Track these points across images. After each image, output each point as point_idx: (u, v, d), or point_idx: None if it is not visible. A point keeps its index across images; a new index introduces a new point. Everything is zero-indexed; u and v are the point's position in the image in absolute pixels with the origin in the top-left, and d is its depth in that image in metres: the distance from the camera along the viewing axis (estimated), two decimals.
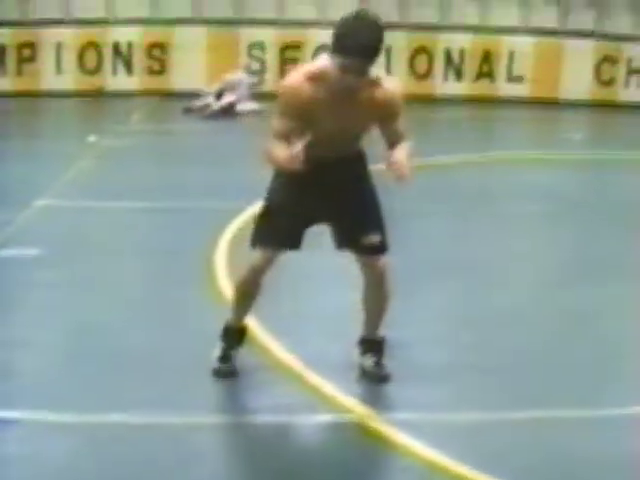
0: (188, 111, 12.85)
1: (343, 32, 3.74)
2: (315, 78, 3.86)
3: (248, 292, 4.17)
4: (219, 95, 12.97)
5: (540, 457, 3.64)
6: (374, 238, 4.09)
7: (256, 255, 4.07)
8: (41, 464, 3.53)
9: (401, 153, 3.86)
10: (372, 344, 4.30)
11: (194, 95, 13.12)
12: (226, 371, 4.23)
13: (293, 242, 4.10)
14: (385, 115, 3.94)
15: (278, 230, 4.04)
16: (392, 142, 3.97)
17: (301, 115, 3.87)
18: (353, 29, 3.72)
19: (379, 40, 3.76)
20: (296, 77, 3.89)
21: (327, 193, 4.02)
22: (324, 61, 3.88)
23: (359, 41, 3.69)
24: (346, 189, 4.05)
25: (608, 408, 4.08)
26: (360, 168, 4.13)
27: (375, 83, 3.88)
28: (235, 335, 4.28)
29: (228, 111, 12.82)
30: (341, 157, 3.99)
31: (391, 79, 4.01)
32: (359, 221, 4.05)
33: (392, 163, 3.83)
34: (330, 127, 3.90)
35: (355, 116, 3.90)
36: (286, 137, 3.84)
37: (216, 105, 12.83)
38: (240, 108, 13.00)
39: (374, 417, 3.93)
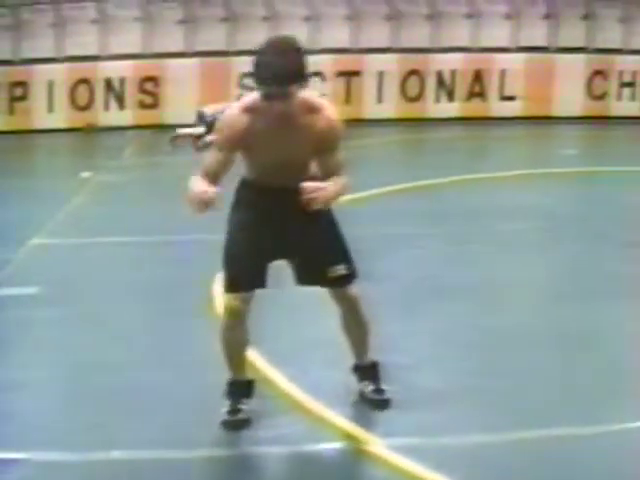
0: (174, 139, 12.75)
1: (257, 61, 3.73)
2: (250, 109, 3.84)
3: (232, 337, 4.09)
4: (211, 126, 12.92)
5: (545, 476, 3.63)
6: (339, 270, 4.04)
7: (230, 299, 4.03)
8: None
9: (322, 184, 3.79)
10: (365, 370, 4.30)
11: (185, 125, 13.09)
12: (236, 423, 4.10)
13: (255, 282, 4.03)
14: (323, 144, 3.86)
15: (240, 274, 3.99)
16: (327, 174, 3.89)
17: (240, 147, 3.87)
18: (265, 57, 3.71)
19: (292, 63, 3.71)
20: (233, 111, 3.89)
21: (282, 229, 3.97)
22: (255, 95, 3.85)
23: (271, 68, 3.67)
24: (302, 223, 3.96)
25: (610, 425, 4.06)
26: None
27: (313, 109, 3.84)
28: (241, 389, 4.18)
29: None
30: (291, 188, 3.85)
31: (328, 105, 3.91)
32: (322, 254, 3.99)
33: (306, 187, 3.75)
34: (272, 157, 3.88)
35: (295, 144, 3.85)
36: (213, 173, 3.84)
37: (210, 138, 12.77)
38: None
39: (377, 443, 3.90)
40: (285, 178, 3.92)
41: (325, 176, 3.90)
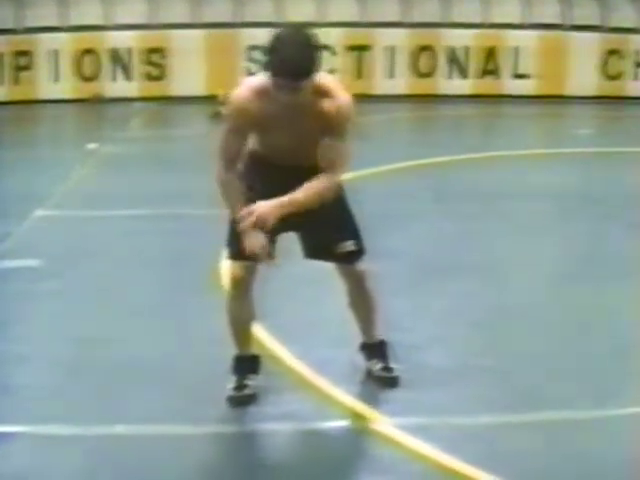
0: (217, 116, 12.60)
1: (271, 51, 3.63)
2: (261, 92, 3.76)
3: (238, 309, 4.04)
4: None
5: (555, 459, 3.59)
6: (348, 246, 4.00)
7: (234, 267, 3.98)
8: (44, 477, 3.48)
9: (266, 205, 3.69)
10: (373, 348, 4.27)
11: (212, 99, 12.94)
12: (242, 399, 4.05)
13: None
14: (329, 128, 3.75)
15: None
16: (322, 163, 3.78)
17: (252, 130, 3.82)
18: (280, 48, 3.61)
19: (307, 59, 3.61)
20: (244, 92, 3.79)
21: None
22: (265, 77, 3.75)
23: (285, 61, 3.57)
24: None
25: (622, 408, 4.01)
26: None
27: (324, 93, 3.74)
28: (246, 364, 4.13)
29: None
30: (305, 166, 3.83)
31: (340, 89, 3.79)
32: (331, 230, 3.94)
33: (250, 212, 3.70)
34: (285, 139, 3.82)
35: (306, 127, 3.78)
36: (231, 158, 3.81)
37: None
38: None
39: (385, 422, 3.87)
40: (296, 158, 3.88)
41: (322, 165, 3.79)
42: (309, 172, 3.81)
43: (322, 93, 3.75)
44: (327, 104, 3.74)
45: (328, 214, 3.91)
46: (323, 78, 3.76)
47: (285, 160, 3.90)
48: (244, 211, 3.73)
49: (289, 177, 3.84)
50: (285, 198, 3.73)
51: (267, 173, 3.92)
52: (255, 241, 3.76)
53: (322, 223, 3.93)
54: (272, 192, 3.81)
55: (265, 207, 3.71)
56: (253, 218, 3.70)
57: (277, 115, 3.75)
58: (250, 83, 3.84)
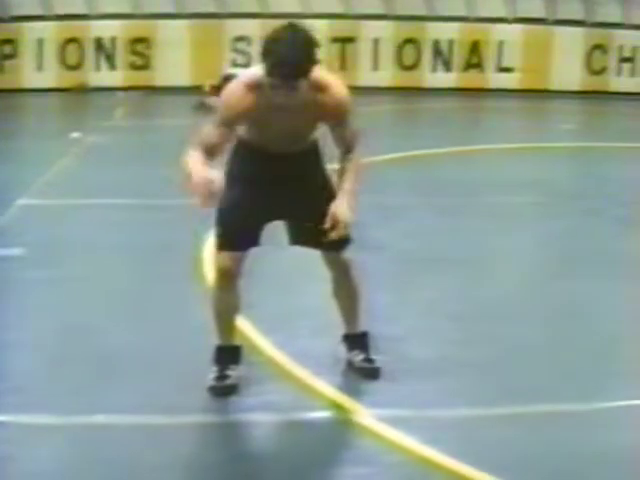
0: (200, 107, 12.59)
1: (267, 50, 3.61)
2: (254, 87, 3.75)
3: (223, 300, 4.04)
4: None
5: (536, 451, 3.59)
6: (334, 234, 3.98)
7: (221, 257, 3.97)
8: (25, 466, 3.45)
9: (341, 205, 3.80)
10: (355, 339, 4.26)
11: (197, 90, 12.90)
12: (224, 389, 4.05)
13: (249, 241, 3.98)
14: (333, 121, 3.86)
15: (233, 231, 3.93)
16: (344, 146, 3.92)
17: (243, 124, 3.82)
18: (277, 48, 3.59)
19: (303, 59, 3.61)
20: (237, 86, 3.78)
21: (281, 190, 3.90)
22: (260, 70, 3.73)
23: (281, 62, 3.56)
24: (300, 185, 3.94)
25: (603, 401, 4.03)
26: (314, 161, 4.02)
27: (321, 87, 3.76)
28: (229, 354, 4.12)
29: None
30: (292, 152, 3.90)
31: (336, 82, 3.83)
32: (318, 218, 3.90)
33: (331, 218, 3.80)
34: (275, 130, 3.83)
35: (301, 119, 3.81)
36: (212, 148, 3.73)
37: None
38: None
39: (365, 413, 3.87)
40: (286, 146, 3.90)
41: (341, 149, 3.92)
42: (294, 158, 3.86)
43: (317, 87, 3.75)
44: (326, 99, 3.77)
45: (315, 202, 3.92)
46: (318, 71, 3.75)
47: (273, 148, 3.91)
48: (329, 220, 3.79)
49: (274, 163, 3.88)
50: (346, 190, 3.85)
51: (251, 159, 3.91)
52: (201, 179, 3.59)
53: (310, 211, 3.93)
54: (253, 177, 3.83)
55: (341, 207, 3.81)
56: (341, 225, 3.78)
57: (270, 108, 3.73)
58: (243, 77, 3.82)
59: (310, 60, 3.64)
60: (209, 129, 3.80)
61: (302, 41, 3.64)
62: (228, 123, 3.79)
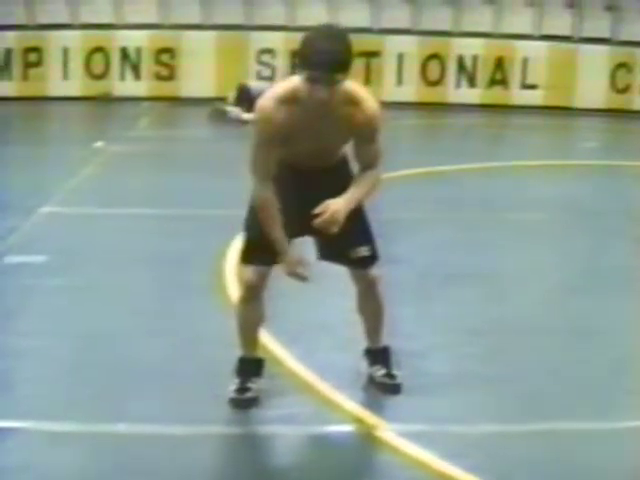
0: (218, 114, 12.62)
1: (306, 45, 3.62)
2: (287, 100, 3.73)
3: (248, 312, 4.05)
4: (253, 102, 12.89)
5: (553, 470, 3.57)
6: (362, 251, 4.01)
7: (246, 271, 3.97)
8: (43, 474, 3.46)
9: (339, 202, 3.75)
10: (377, 354, 4.25)
11: (217, 101, 12.96)
12: (244, 401, 4.04)
13: (274, 257, 3.92)
14: (361, 136, 3.82)
15: (260, 246, 3.90)
16: (363, 164, 3.88)
17: (279, 139, 3.78)
18: (316, 42, 3.60)
19: (343, 52, 3.61)
20: (268, 102, 3.76)
21: (309, 206, 3.84)
22: (293, 81, 3.75)
23: (322, 53, 3.56)
24: (331, 196, 3.88)
25: (624, 420, 4.00)
26: (343, 178, 3.98)
27: (353, 101, 3.75)
28: (250, 367, 4.12)
29: None
30: (322, 168, 3.90)
31: (369, 97, 3.82)
32: (346, 234, 3.87)
33: (325, 209, 3.73)
34: (307, 144, 3.82)
35: (333, 133, 3.80)
36: (268, 173, 3.78)
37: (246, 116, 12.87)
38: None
39: (385, 427, 3.86)
40: (316, 162, 3.90)
41: (361, 166, 3.89)
42: (323, 173, 3.86)
43: (350, 100, 3.74)
44: (358, 113, 3.75)
45: (345, 218, 3.87)
46: (352, 85, 3.75)
47: (303, 163, 3.91)
48: (320, 208, 3.72)
49: (303, 179, 3.88)
50: (349, 195, 3.80)
51: (280, 174, 3.88)
52: (295, 260, 3.80)
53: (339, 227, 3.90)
54: (282, 193, 3.82)
55: (338, 204, 3.74)
56: (328, 215, 3.70)
57: (303, 121, 3.73)
58: (274, 91, 3.80)
59: (349, 53, 3.63)
60: (255, 154, 3.80)
61: (340, 36, 3.65)
62: (268, 141, 3.77)
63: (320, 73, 3.58)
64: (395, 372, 4.23)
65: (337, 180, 3.93)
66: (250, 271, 3.95)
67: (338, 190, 3.82)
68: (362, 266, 4.04)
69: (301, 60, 3.65)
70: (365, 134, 3.81)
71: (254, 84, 12.54)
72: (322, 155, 3.90)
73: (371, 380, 4.24)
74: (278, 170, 3.87)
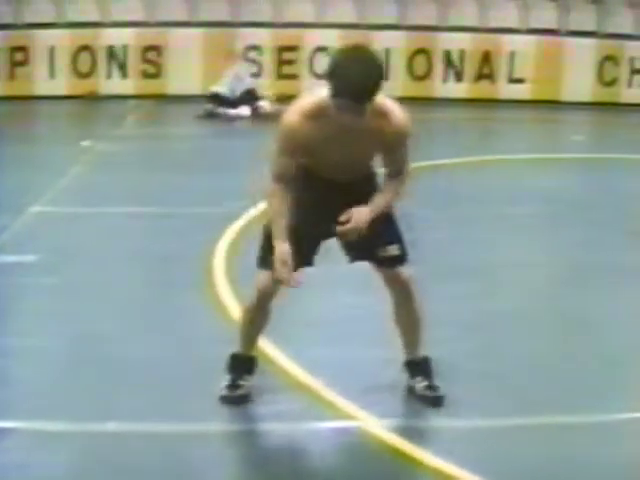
0: (210, 116, 12.70)
1: (335, 72, 3.56)
2: (313, 115, 3.70)
3: (256, 316, 4.04)
4: (242, 100, 13.00)
5: (545, 463, 3.59)
6: (392, 250, 3.97)
7: (261, 276, 3.93)
8: (36, 473, 3.47)
9: (363, 211, 3.75)
10: (417, 365, 4.17)
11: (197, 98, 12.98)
12: (236, 398, 4.05)
13: (302, 260, 3.90)
14: (391, 146, 3.80)
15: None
16: (390, 171, 3.88)
17: (303, 152, 3.77)
18: (345, 69, 3.54)
19: (374, 81, 3.56)
20: (294, 116, 3.72)
21: (337, 212, 3.82)
22: (321, 94, 3.70)
23: (351, 83, 3.51)
24: (357, 204, 3.87)
25: (613, 413, 4.02)
26: (371, 187, 3.96)
27: (382, 113, 3.71)
28: (244, 364, 4.12)
29: (255, 109, 12.90)
30: (352, 179, 3.88)
31: (396, 107, 3.78)
32: (374, 234, 3.86)
33: (349, 217, 3.74)
34: (336, 158, 3.80)
35: (361, 146, 3.78)
36: (282, 177, 3.77)
37: (245, 111, 12.89)
38: (236, 113, 12.95)
39: (376, 423, 3.86)
40: (345, 173, 3.88)
41: (388, 172, 3.88)
42: (355, 185, 3.84)
43: (378, 113, 3.69)
44: (387, 125, 3.71)
45: (375, 220, 3.86)
46: (380, 97, 3.68)
47: (334, 174, 3.87)
48: (344, 216, 3.73)
49: (335, 190, 3.85)
50: (374, 204, 3.79)
51: (305, 184, 3.86)
52: (283, 265, 3.75)
53: (368, 227, 3.86)
54: (315, 203, 3.83)
55: (362, 212, 3.74)
56: (351, 224, 3.72)
57: (330, 136, 3.70)
58: (301, 105, 3.75)
59: (378, 82, 3.58)
60: (274, 159, 3.80)
61: (371, 63, 3.60)
62: (289, 154, 3.76)
63: (351, 103, 3.55)
64: (436, 384, 4.14)
65: (363, 192, 3.88)
66: (264, 275, 3.91)
67: (365, 198, 3.81)
68: (391, 265, 3.99)
69: (330, 86, 3.58)
70: (395, 145, 3.78)
71: (218, 87, 12.94)
72: (352, 168, 3.87)
73: (411, 392, 4.15)
74: (304, 180, 3.85)
